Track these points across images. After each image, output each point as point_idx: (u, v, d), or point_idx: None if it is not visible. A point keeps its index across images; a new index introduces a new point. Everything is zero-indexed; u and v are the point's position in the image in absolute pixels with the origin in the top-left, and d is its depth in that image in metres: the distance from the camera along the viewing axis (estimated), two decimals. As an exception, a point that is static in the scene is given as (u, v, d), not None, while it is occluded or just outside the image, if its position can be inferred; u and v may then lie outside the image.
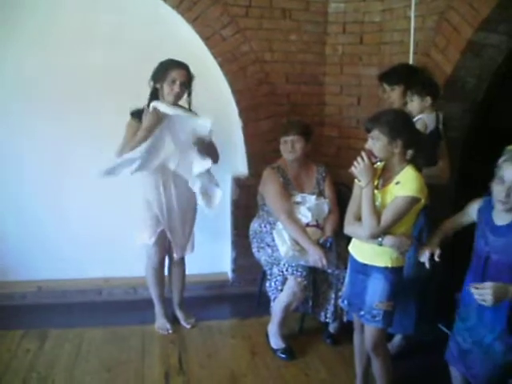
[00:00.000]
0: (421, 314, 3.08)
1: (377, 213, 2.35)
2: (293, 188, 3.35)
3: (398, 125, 2.37)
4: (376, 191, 2.40)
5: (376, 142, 2.38)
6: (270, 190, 3.34)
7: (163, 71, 3.05)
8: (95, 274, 3.93)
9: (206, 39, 3.60)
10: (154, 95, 3.12)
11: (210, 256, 4.01)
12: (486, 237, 2.26)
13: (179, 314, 3.58)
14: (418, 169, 2.41)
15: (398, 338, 3.23)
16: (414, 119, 2.89)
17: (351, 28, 3.85)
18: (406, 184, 2.33)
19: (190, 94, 3.16)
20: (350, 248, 2.61)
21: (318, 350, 3.29)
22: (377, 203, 2.38)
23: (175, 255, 3.41)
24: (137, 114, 3.10)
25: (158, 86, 3.09)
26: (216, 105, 3.61)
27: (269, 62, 3.80)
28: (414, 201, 2.33)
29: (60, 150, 3.73)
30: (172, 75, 3.04)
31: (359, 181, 2.42)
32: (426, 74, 3.22)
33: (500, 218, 2.23)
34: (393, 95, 3.20)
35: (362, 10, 3.78)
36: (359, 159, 2.36)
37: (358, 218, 2.46)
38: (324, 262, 3.09)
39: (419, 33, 3.40)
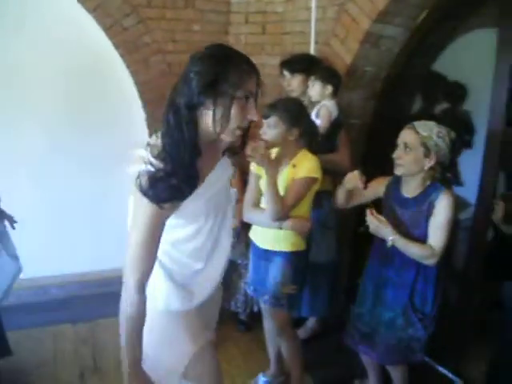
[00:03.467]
0: (333, 297, 3.18)
1: (280, 197, 2.35)
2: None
3: (297, 113, 2.42)
4: None
5: (273, 129, 2.38)
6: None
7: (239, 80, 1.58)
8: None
9: (107, 29, 3.48)
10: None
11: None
12: (393, 211, 2.33)
13: None
14: (314, 152, 2.46)
15: (311, 321, 3.32)
16: (318, 106, 2.96)
17: (254, 18, 3.85)
18: (302, 166, 2.39)
19: None
20: (251, 234, 2.62)
21: (232, 338, 3.34)
22: None
23: None
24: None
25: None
26: (118, 97, 3.51)
27: (172, 53, 3.72)
28: (311, 181, 2.38)
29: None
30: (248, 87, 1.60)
31: (254, 164, 2.40)
32: (327, 65, 3.29)
33: (408, 191, 2.31)
34: (293, 83, 3.19)
35: (265, 0, 3.80)
36: (256, 147, 2.15)
37: (256, 204, 2.49)
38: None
39: (320, 23, 3.46)
